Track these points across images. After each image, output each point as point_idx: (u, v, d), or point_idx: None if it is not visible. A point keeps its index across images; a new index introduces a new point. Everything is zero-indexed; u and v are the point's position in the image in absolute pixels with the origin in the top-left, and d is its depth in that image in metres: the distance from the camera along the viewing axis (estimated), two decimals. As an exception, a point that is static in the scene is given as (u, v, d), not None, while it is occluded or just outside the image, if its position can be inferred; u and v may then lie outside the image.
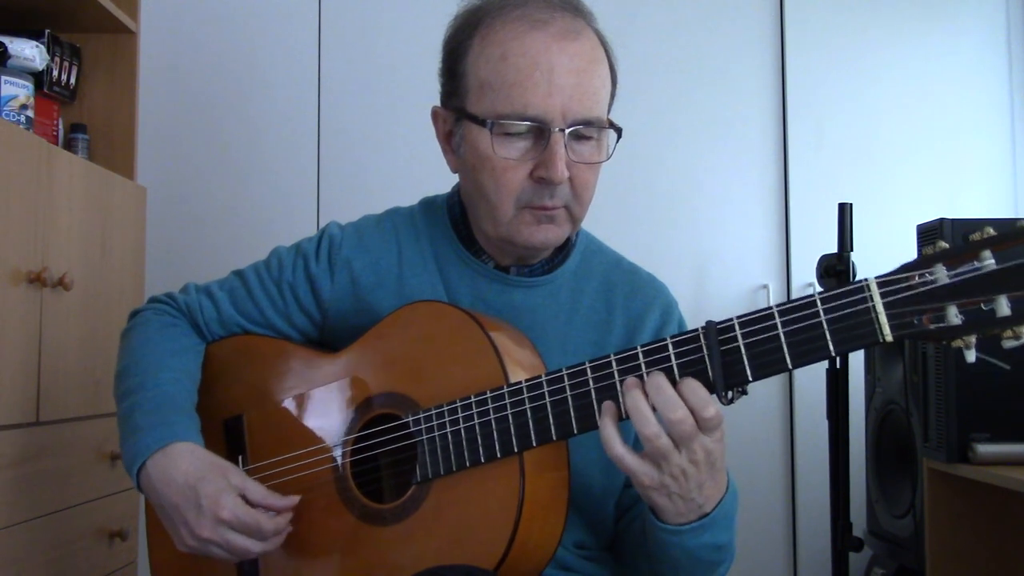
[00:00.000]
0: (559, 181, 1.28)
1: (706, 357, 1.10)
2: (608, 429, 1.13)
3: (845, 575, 2.08)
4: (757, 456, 2.98)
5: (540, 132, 1.28)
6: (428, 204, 1.50)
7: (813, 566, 2.94)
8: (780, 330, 1.07)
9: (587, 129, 1.30)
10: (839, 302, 1.05)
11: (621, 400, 1.14)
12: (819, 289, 2.15)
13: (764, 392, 2.95)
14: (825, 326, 1.05)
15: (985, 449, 2.19)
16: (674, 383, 1.11)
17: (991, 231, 0.97)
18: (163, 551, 1.46)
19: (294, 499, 1.32)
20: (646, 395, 1.11)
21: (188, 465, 1.29)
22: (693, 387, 1.10)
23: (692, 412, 1.09)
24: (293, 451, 1.37)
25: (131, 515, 2.22)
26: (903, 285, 1.01)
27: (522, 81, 1.26)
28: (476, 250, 1.42)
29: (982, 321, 0.98)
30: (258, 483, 1.32)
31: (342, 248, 1.46)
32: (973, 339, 0.99)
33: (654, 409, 1.11)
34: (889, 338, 1.01)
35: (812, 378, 2.16)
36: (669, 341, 1.13)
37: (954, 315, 0.98)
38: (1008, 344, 0.98)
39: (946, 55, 3.11)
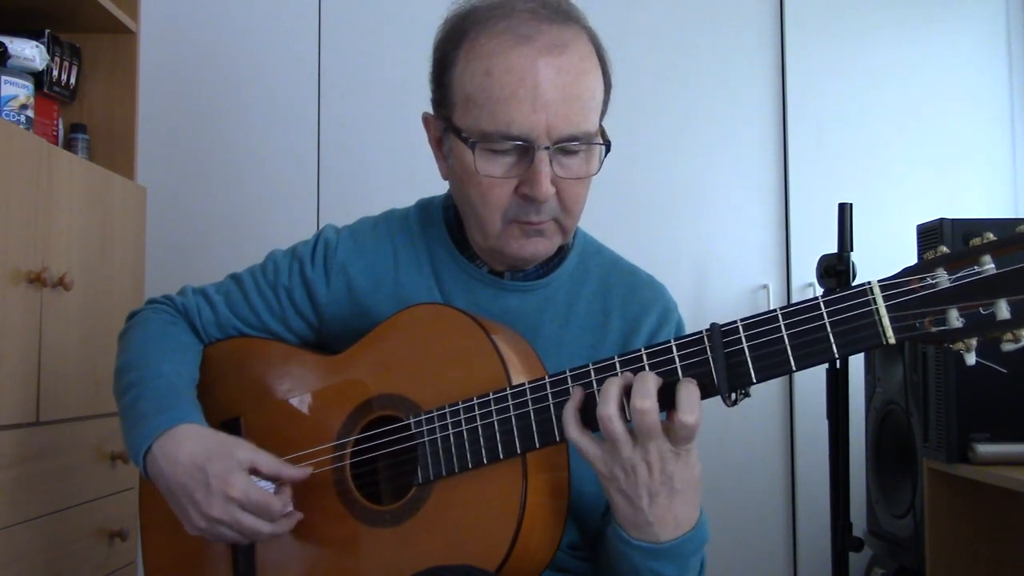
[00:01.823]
0: (543, 199, 1.27)
1: (710, 359, 1.10)
2: (568, 412, 1.14)
3: (845, 575, 2.09)
4: (757, 456, 2.98)
5: (525, 149, 1.26)
6: (424, 206, 1.50)
7: (813, 566, 2.94)
8: (784, 332, 1.07)
9: (574, 144, 1.28)
10: (842, 305, 1.05)
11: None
12: (819, 289, 2.17)
13: (764, 392, 2.96)
14: (828, 328, 1.05)
15: (985, 449, 2.19)
16: (675, 383, 1.11)
17: (991, 236, 0.98)
18: (157, 553, 1.47)
19: (307, 470, 1.32)
20: (626, 387, 1.11)
21: (195, 445, 1.29)
22: (690, 389, 1.09)
23: (676, 409, 1.09)
24: (292, 453, 1.36)
25: (131, 515, 2.22)
26: (905, 288, 1.02)
27: (506, 98, 1.24)
28: (470, 254, 1.42)
29: (982, 324, 0.98)
30: (268, 454, 1.31)
31: (338, 252, 1.46)
32: (974, 342, 0.99)
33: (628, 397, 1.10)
34: (892, 340, 1.02)
35: (812, 378, 2.16)
36: (673, 343, 1.12)
37: (955, 318, 0.99)
38: (1007, 347, 0.99)
39: (946, 56, 3.11)
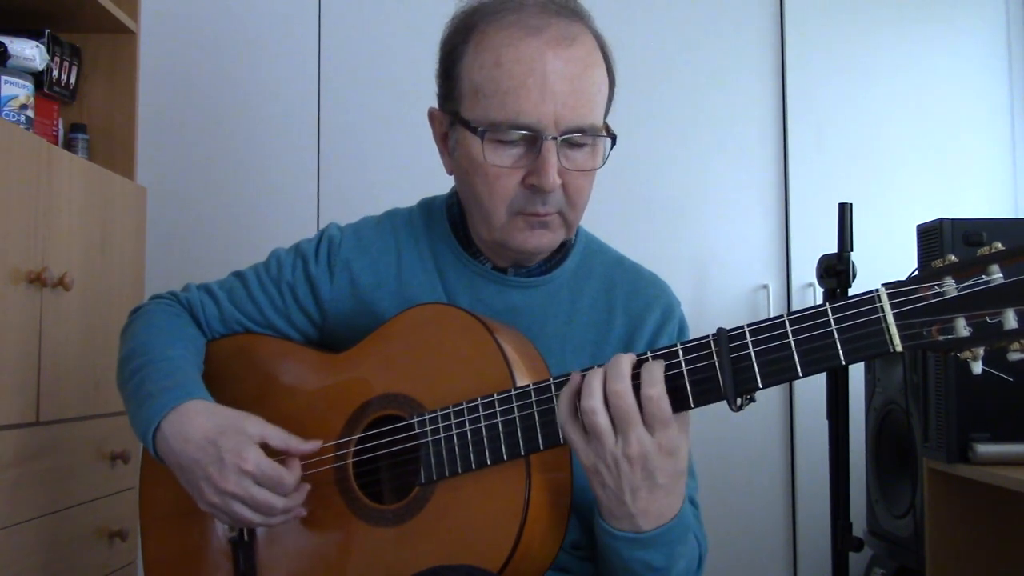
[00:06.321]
0: (550, 189, 1.28)
1: (716, 364, 1.11)
2: (563, 401, 1.14)
3: (845, 575, 2.09)
4: (757, 456, 2.98)
5: (532, 140, 1.28)
6: (427, 205, 1.50)
7: (813, 566, 2.94)
8: (791, 339, 1.08)
9: (581, 136, 1.29)
10: (849, 312, 1.05)
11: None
12: (819, 289, 2.17)
13: (764, 392, 2.92)
14: (836, 336, 1.06)
15: (985, 449, 2.18)
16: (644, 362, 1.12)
17: (999, 245, 0.98)
18: (156, 550, 1.47)
19: (316, 443, 1.32)
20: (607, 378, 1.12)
21: (205, 421, 1.29)
22: (651, 367, 1.11)
23: (640, 386, 1.10)
24: (295, 451, 1.37)
25: (131, 515, 2.21)
26: (913, 296, 1.02)
27: (515, 88, 1.26)
28: (474, 251, 1.43)
29: (990, 333, 0.98)
30: (278, 428, 1.31)
31: (341, 249, 1.46)
32: (981, 351, 1.00)
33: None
34: (899, 348, 1.02)
35: (812, 378, 2.15)
36: (680, 347, 1.13)
37: (962, 327, 0.99)
38: (1014, 356, 0.99)
39: (946, 56, 3.11)
